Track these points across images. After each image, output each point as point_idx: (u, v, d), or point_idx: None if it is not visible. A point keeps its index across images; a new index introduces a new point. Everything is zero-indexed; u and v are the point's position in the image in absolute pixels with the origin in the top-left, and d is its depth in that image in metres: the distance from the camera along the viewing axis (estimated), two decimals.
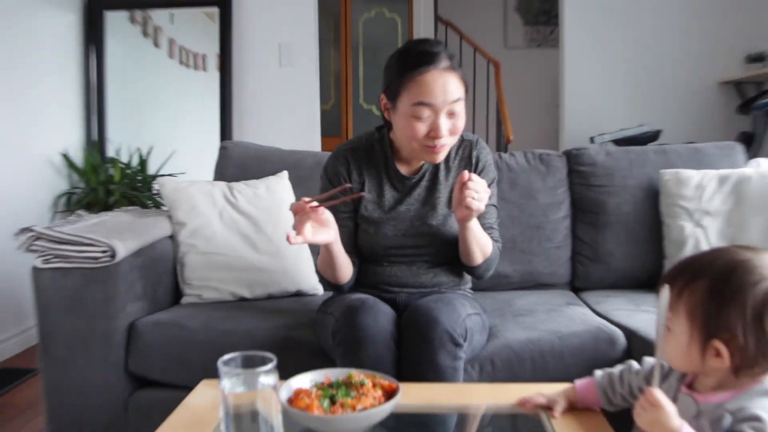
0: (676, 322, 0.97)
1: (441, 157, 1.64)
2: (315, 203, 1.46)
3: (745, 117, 3.93)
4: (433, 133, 1.58)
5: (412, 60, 1.57)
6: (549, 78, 6.20)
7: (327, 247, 1.59)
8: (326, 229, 1.53)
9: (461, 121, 1.61)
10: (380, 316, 1.49)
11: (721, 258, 0.97)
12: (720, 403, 0.96)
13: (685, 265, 1.00)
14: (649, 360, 1.16)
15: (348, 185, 1.65)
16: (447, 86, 1.56)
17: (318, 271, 1.74)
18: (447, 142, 1.61)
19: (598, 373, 1.21)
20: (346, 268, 1.67)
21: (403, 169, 1.74)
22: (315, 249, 1.94)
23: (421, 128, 1.58)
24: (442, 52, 1.58)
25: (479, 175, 1.68)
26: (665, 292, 0.96)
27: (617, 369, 1.20)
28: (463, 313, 1.54)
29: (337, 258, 1.62)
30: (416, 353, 1.45)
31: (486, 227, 1.70)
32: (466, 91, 1.62)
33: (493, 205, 1.76)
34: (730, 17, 4.00)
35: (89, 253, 1.71)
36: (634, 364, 1.18)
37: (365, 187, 1.72)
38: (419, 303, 1.55)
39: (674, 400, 1.00)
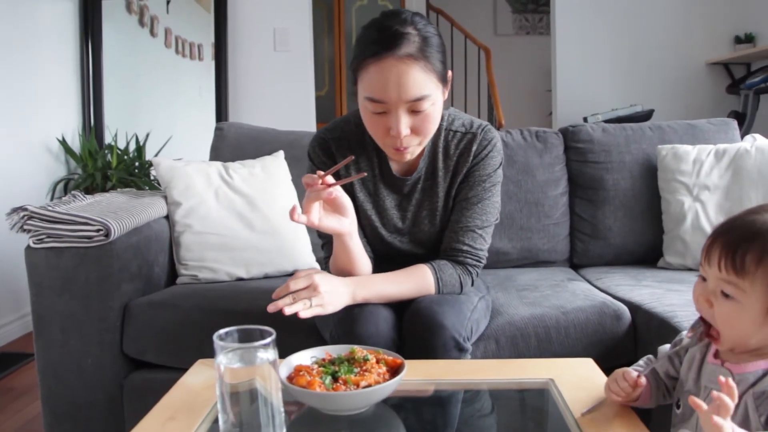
0: (747, 291, 0.87)
1: (409, 157, 1.41)
2: (331, 179, 1.25)
3: (735, 97, 3.97)
4: (391, 132, 1.34)
5: (369, 41, 1.31)
6: (538, 64, 6.25)
7: (341, 241, 1.36)
8: (338, 217, 1.32)
9: (431, 123, 1.36)
10: (380, 322, 1.34)
11: None
12: (763, 373, 0.89)
13: (754, 225, 0.89)
14: (663, 347, 1.11)
15: (351, 157, 1.35)
16: (403, 80, 1.28)
17: (330, 271, 1.48)
18: (412, 142, 1.37)
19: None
20: (366, 269, 1.45)
21: (396, 166, 1.51)
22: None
23: (378, 125, 1.36)
24: (409, 34, 1.29)
25: (472, 168, 1.48)
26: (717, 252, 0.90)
27: (640, 367, 1.10)
28: (468, 310, 1.43)
29: (355, 255, 1.39)
30: (418, 358, 1.30)
31: (466, 229, 1.48)
32: (443, 81, 1.37)
33: (485, 202, 1.50)
34: None
35: (83, 232, 1.68)
36: (652, 357, 1.12)
37: (355, 183, 1.52)
38: (422, 304, 1.38)
39: (699, 371, 0.97)
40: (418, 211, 1.53)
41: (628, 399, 1.02)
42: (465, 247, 1.48)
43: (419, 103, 1.31)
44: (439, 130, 1.50)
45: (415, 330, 1.35)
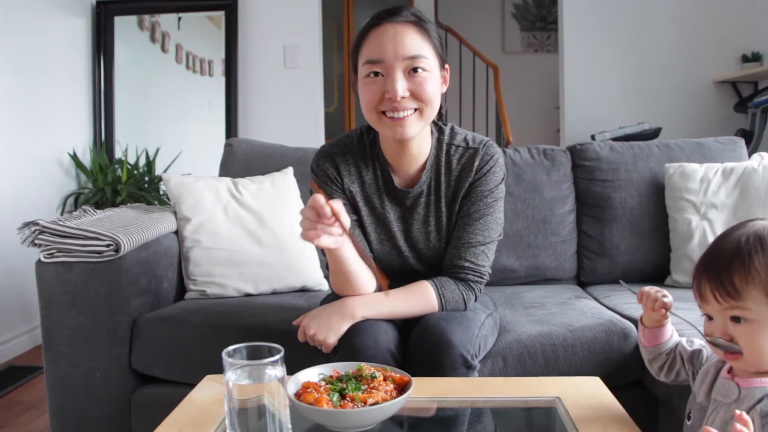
0: (753, 308, 0.90)
1: (408, 131, 1.38)
2: (337, 205, 1.19)
3: (742, 115, 3.97)
4: (387, 95, 1.34)
5: (369, 20, 1.39)
6: (546, 82, 6.25)
7: (333, 255, 1.34)
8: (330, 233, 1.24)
9: (430, 86, 1.36)
10: (380, 335, 1.35)
11: (752, 232, 0.92)
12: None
13: (726, 252, 0.93)
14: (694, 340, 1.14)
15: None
16: (399, 38, 1.33)
17: (333, 291, 1.49)
18: (410, 106, 1.36)
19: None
20: (367, 285, 1.42)
21: (399, 180, 1.52)
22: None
23: (375, 92, 1.36)
24: (404, 10, 1.37)
25: (474, 183, 1.49)
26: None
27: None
28: (477, 327, 1.42)
29: (351, 270, 1.37)
30: (425, 376, 1.29)
31: (468, 245, 1.47)
32: (440, 62, 1.40)
33: (488, 218, 1.49)
34: (724, 18, 4.06)
35: (93, 247, 1.69)
36: (694, 340, 1.15)
37: (358, 197, 1.52)
38: (430, 320, 1.38)
39: (712, 384, 0.99)
40: (422, 227, 1.53)
41: (652, 311, 1.14)
42: (467, 264, 1.48)
43: (416, 60, 1.35)
44: (440, 144, 1.52)
45: (423, 346, 1.35)
